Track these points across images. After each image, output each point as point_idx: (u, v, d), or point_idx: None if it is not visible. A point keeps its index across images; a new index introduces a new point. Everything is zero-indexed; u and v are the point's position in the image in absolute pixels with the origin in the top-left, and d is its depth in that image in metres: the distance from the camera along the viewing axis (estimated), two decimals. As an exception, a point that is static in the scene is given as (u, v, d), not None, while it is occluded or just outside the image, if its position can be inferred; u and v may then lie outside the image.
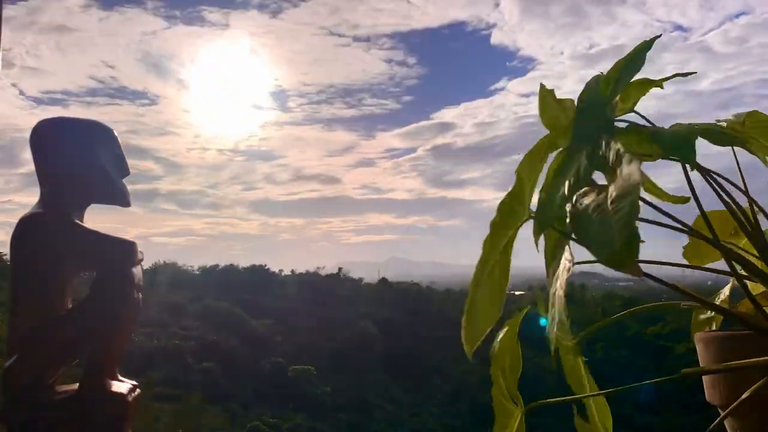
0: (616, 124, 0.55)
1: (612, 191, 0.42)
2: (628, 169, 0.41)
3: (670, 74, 0.57)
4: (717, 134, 0.52)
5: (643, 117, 0.56)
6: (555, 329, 0.49)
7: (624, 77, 0.51)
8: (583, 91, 0.53)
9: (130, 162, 1.14)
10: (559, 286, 0.48)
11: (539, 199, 0.50)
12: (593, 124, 0.50)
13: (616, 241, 0.37)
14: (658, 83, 0.57)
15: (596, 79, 0.53)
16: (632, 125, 0.55)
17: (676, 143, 0.49)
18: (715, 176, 0.53)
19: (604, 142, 0.46)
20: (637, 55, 0.52)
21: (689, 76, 0.56)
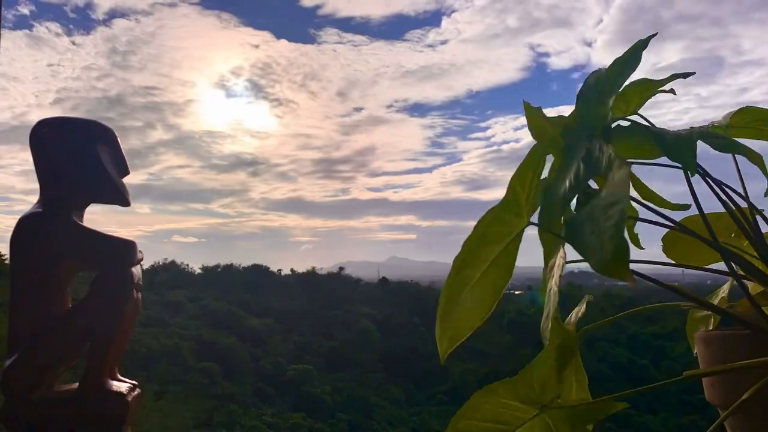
0: (619, 123, 0.55)
1: (603, 198, 0.42)
2: (618, 175, 0.41)
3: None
4: (718, 140, 0.52)
5: (646, 120, 0.56)
6: (549, 325, 0.49)
7: (620, 77, 0.51)
8: (581, 88, 0.53)
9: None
10: (554, 283, 0.48)
11: (540, 204, 0.50)
12: (590, 124, 0.50)
13: (606, 250, 0.37)
14: (659, 84, 0.57)
15: (596, 75, 0.53)
16: (633, 125, 0.55)
17: (678, 148, 0.49)
18: (715, 178, 0.53)
19: (597, 145, 0.46)
20: (633, 54, 0.51)
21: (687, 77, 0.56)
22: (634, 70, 0.51)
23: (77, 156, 1.09)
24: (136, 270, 1.10)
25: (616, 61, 0.52)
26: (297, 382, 22.26)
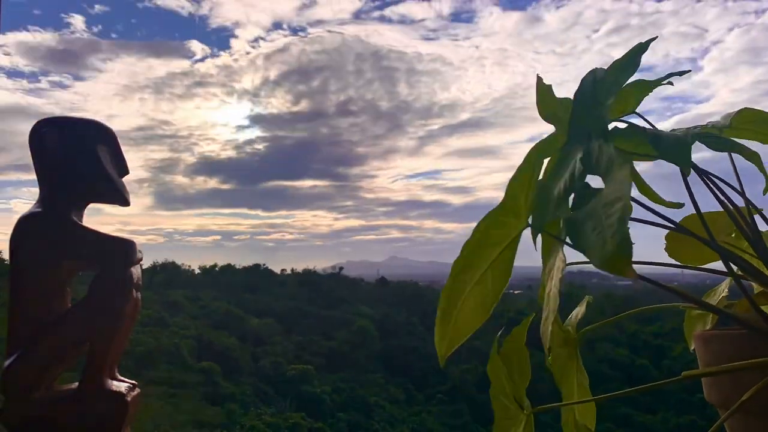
0: (616, 125, 0.55)
1: (604, 196, 0.42)
2: (620, 174, 0.42)
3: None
4: (715, 140, 0.52)
5: (644, 119, 0.56)
6: (549, 327, 0.49)
7: (618, 80, 0.51)
8: (578, 89, 0.53)
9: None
10: (553, 285, 0.48)
11: (534, 203, 0.50)
12: (587, 126, 0.50)
13: (608, 246, 0.38)
14: (656, 84, 0.57)
15: (592, 76, 0.53)
16: (631, 126, 0.55)
17: (674, 148, 0.49)
18: (712, 178, 0.53)
19: (597, 145, 0.46)
20: (632, 58, 0.52)
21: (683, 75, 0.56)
22: (632, 74, 0.52)
23: (77, 156, 1.09)
24: (136, 270, 1.10)
25: (615, 65, 0.52)
26: (297, 382, 22.25)
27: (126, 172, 1.16)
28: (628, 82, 0.54)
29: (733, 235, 0.60)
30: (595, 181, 0.49)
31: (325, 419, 20.48)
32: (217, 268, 36.70)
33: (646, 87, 0.57)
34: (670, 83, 0.56)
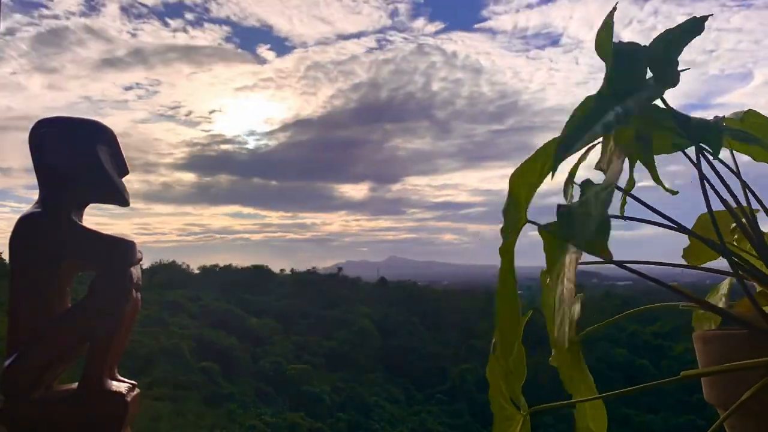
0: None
1: (597, 186, 0.44)
2: (615, 165, 0.43)
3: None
4: (739, 133, 0.52)
5: (665, 103, 0.54)
6: (566, 330, 0.49)
7: (673, 45, 0.49)
8: (620, 51, 0.51)
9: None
10: (566, 281, 0.48)
11: (568, 125, 0.48)
12: (627, 86, 0.48)
13: (590, 228, 0.40)
14: (681, 35, 0.55)
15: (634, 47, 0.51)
16: (655, 107, 0.53)
17: (705, 132, 0.49)
18: (716, 175, 0.53)
19: (633, 103, 0.45)
20: (683, 32, 0.49)
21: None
22: (681, 48, 0.49)
23: (77, 155, 1.09)
24: (136, 270, 1.10)
25: (662, 35, 0.50)
26: (296, 381, 22.24)
27: (126, 172, 1.16)
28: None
29: (736, 237, 0.60)
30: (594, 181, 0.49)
31: (325, 419, 20.47)
32: (217, 269, 36.68)
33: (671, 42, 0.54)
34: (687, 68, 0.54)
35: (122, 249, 1.08)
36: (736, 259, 0.53)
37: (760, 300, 0.52)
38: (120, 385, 1.08)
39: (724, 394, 0.50)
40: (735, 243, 0.58)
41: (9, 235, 1.04)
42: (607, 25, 0.50)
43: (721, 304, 0.59)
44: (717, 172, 0.53)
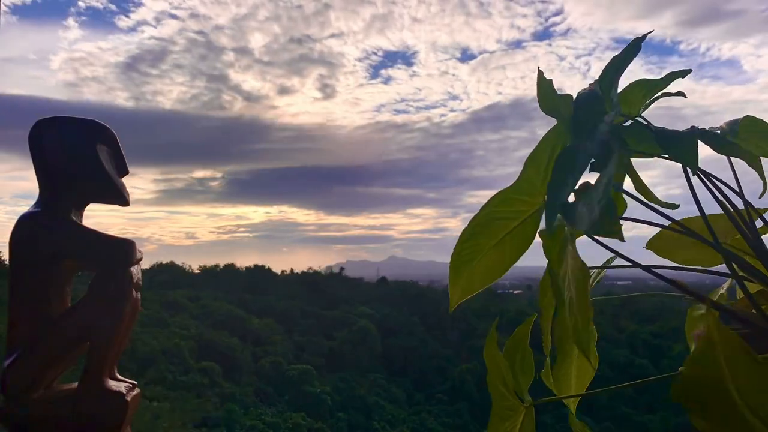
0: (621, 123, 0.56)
1: (596, 180, 0.45)
2: (613, 160, 0.44)
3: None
4: (719, 141, 0.52)
5: (646, 121, 0.56)
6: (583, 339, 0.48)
7: (618, 67, 0.52)
8: (579, 92, 0.54)
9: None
10: (574, 289, 0.47)
11: (548, 190, 0.51)
12: (590, 120, 0.50)
13: (595, 211, 0.41)
14: (660, 83, 0.56)
15: (594, 84, 0.54)
16: (635, 124, 0.55)
17: (681, 148, 0.49)
18: (713, 179, 0.53)
19: (599, 140, 0.47)
20: (629, 50, 0.52)
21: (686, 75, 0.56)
22: (629, 60, 0.52)
23: (76, 155, 1.09)
24: (136, 270, 1.10)
25: (612, 60, 0.53)
26: (297, 382, 22.23)
27: (126, 171, 1.16)
28: (630, 82, 0.55)
29: (737, 237, 0.60)
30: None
31: (325, 419, 20.46)
32: (217, 269, 36.68)
33: (649, 87, 0.57)
34: (682, 93, 0.55)
35: (122, 249, 1.08)
36: (734, 260, 0.53)
37: (759, 300, 0.52)
38: (120, 385, 1.08)
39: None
40: (733, 244, 0.58)
41: (9, 234, 1.05)
42: (544, 88, 0.53)
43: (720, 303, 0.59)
44: (713, 179, 0.53)
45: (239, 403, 19.84)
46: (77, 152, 1.09)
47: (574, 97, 0.54)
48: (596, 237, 0.48)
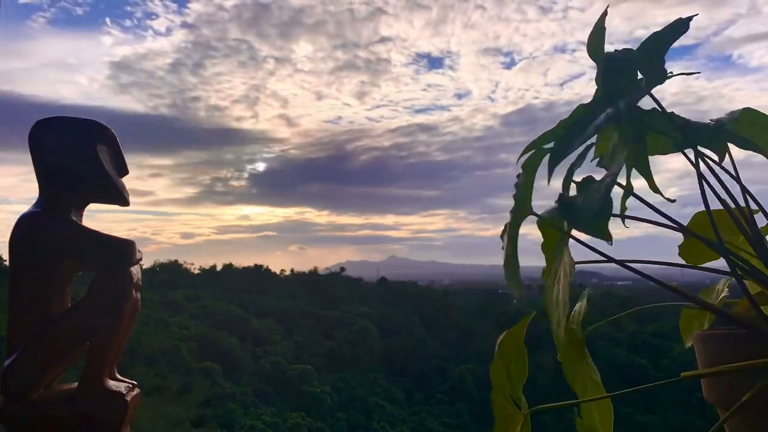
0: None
1: (600, 179, 0.46)
2: (618, 157, 0.44)
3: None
4: (740, 139, 0.52)
5: (654, 98, 0.55)
6: (562, 332, 0.49)
7: (650, 45, 0.51)
8: (616, 50, 0.52)
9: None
10: (562, 290, 0.48)
11: (558, 132, 0.51)
12: (618, 89, 0.50)
13: (593, 210, 0.42)
14: (669, 33, 0.55)
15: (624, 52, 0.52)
16: (657, 109, 0.54)
17: (707, 136, 0.50)
18: (714, 176, 0.53)
19: (624, 106, 0.47)
20: (670, 32, 0.51)
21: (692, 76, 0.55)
22: (669, 45, 0.50)
23: (76, 155, 1.09)
24: (136, 270, 1.10)
25: (652, 37, 0.51)
26: (297, 382, 22.23)
27: (125, 171, 1.16)
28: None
29: (741, 239, 0.60)
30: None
31: (325, 419, 20.46)
32: (217, 269, 36.70)
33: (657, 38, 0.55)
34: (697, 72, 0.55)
35: (122, 249, 1.08)
36: (734, 259, 0.53)
37: (759, 300, 0.52)
38: (120, 385, 1.08)
39: (723, 394, 0.50)
40: (734, 243, 0.58)
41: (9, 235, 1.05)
42: (599, 30, 0.51)
43: (719, 304, 0.59)
44: (715, 173, 0.53)
45: (239, 403, 19.84)
46: (77, 152, 1.09)
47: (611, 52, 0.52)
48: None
